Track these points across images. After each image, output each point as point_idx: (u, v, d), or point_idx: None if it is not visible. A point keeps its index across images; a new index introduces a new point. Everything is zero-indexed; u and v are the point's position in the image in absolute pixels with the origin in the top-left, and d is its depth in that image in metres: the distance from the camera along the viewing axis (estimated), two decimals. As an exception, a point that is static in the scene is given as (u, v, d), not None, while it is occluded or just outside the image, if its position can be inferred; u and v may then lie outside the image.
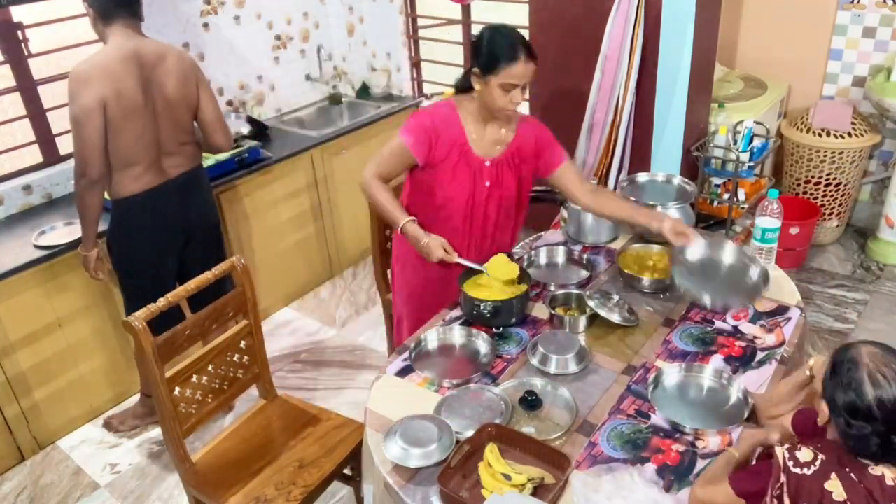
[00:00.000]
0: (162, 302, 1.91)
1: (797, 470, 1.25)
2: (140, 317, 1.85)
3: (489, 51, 1.98)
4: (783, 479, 1.26)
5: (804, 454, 1.27)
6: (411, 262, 2.31)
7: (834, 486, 1.23)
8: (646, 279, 2.17)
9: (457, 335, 2.05)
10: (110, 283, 2.74)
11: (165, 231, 2.59)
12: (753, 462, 1.50)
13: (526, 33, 3.50)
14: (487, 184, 2.17)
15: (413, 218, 2.13)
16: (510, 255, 2.24)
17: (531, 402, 1.74)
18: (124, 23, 2.39)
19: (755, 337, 1.95)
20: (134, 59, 2.37)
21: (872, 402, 1.21)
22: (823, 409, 1.29)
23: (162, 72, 2.43)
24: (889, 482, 1.23)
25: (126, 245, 2.58)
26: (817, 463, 1.25)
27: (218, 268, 2.07)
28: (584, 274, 2.29)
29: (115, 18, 2.37)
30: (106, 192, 2.48)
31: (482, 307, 2.03)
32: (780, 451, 1.29)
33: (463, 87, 2.16)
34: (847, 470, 1.24)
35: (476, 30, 3.96)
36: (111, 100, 2.31)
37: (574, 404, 1.75)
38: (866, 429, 1.22)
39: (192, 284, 2.00)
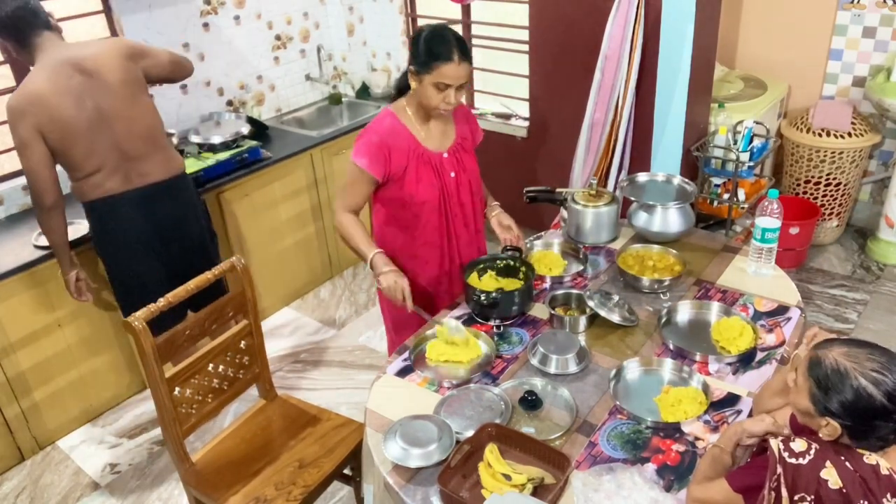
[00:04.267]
0: (162, 302, 1.91)
1: (793, 460, 1.26)
2: (140, 317, 1.85)
3: (424, 50, 1.98)
4: (779, 470, 1.27)
5: (799, 444, 1.28)
6: (402, 268, 2.25)
7: (829, 473, 1.24)
8: (646, 279, 2.17)
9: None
10: (96, 303, 2.73)
11: (134, 238, 2.53)
12: (739, 453, 1.50)
13: (526, 33, 3.51)
14: (453, 174, 2.19)
15: (380, 251, 2.11)
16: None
17: (531, 402, 1.74)
18: (42, 39, 2.32)
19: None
20: (67, 71, 2.30)
21: (882, 397, 1.22)
22: (826, 423, 1.28)
23: (100, 71, 2.36)
24: (884, 471, 1.24)
25: (102, 246, 2.58)
26: (812, 452, 1.26)
27: (218, 268, 2.07)
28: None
29: (32, 38, 2.31)
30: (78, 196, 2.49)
31: (481, 297, 2.03)
32: (776, 443, 1.29)
33: (402, 89, 2.16)
34: (842, 458, 1.25)
35: (476, 30, 3.98)
36: (47, 126, 2.27)
37: (574, 404, 1.75)
38: (881, 424, 1.23)
39: (193, 284, 2.00)
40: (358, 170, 2.09)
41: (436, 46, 1.97)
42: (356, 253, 2.17)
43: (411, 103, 2.13)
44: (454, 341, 1.96)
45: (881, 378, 1.22)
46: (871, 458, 1.25)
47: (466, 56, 2.00)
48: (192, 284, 2.00)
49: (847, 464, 1.25)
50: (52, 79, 2.29)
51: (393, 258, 2.17)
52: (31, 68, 2.34)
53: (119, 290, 2.67)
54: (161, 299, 1.92)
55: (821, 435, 1.31)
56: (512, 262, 2.20)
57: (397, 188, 2.14)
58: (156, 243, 2.58)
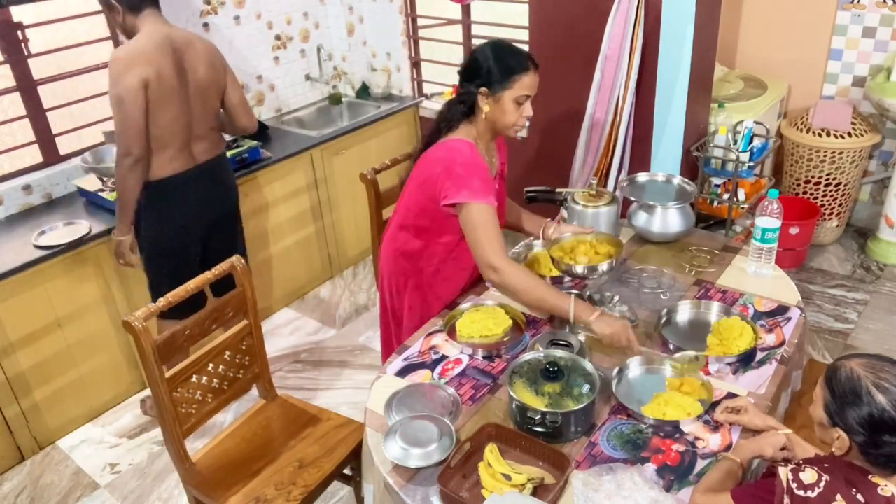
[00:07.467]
0: (162, 302, 1.91)
1: (801, 492, 1.23)
2: (140, 317, 1.85)
3: (501, 66, 1.90)
4: (787, 501, 1.24)
5: (808, 475, 1.24)
6: (427, 272, 2.18)
7: None
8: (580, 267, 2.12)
9: (457, 335, 2.05)
10: (140, 269, 2.73)
11: (191, 215, 2.64)
12: (755, 477, 1.48)
13: (526, 33, 3.51)
14: (495, 204, 2.06)
15: (571, 296, 1.91)
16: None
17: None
18: (151, 12, 2.46)
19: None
20: (168, 44, 2.44)
21: (892, 410, 1.19)
22: (837, 436, 1.26)
23: (192, 57, 2.51)
24: None
25: (153, 227, 2.61)
26: (822, 485, 1.22)
27: (218, 268, 2.07)
28: None
29: (144, 8, 2.44)
30: None
31: (535, 417, 1.64)
32: (784, 473, 1.26)
33: (452, 119, 2.01)
34: (853, 491, 1.21)
35: (476, 30, 3.98)
36: (152, 81, 2.38)
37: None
38: (891, 440, 1.20)
39: (192, 284, 1.99)
40: (491, 210, 1.93)
41: (510, 59, 1.91)
42: (546, 308, 1.95)
43: (481, 128, 2.00)
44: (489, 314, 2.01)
45: (893, 389, 1.19)
46: (886, 489, 1.21)
47: (537, 64, 1.94)
48: (192, 284, 2.00)
49: (859, 496, 1.20)
50: (160, 45, 2.42)
51: (418, 277, 2.16)
52: (131, 35, 2.45)
53: (157, 275, 2.69)
54: (161, 299, 1.92)
55: (833, 450, 1.27)
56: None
57: None
58: (201, 221, 2.69)
